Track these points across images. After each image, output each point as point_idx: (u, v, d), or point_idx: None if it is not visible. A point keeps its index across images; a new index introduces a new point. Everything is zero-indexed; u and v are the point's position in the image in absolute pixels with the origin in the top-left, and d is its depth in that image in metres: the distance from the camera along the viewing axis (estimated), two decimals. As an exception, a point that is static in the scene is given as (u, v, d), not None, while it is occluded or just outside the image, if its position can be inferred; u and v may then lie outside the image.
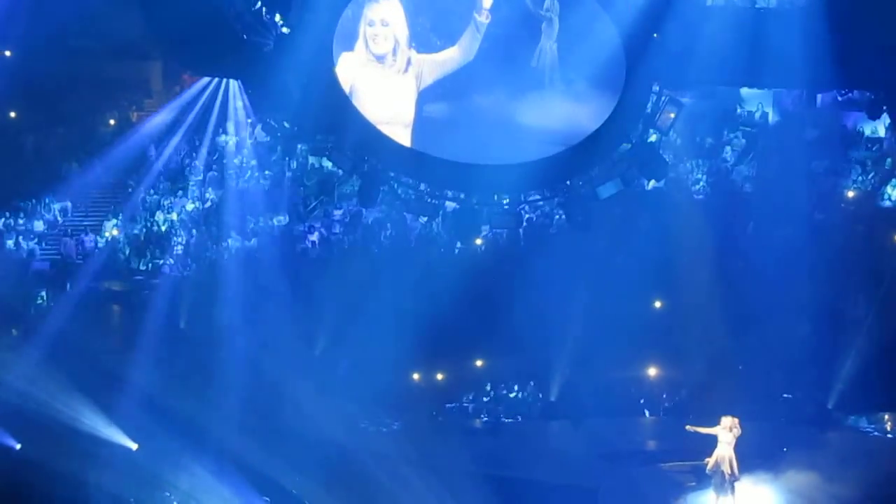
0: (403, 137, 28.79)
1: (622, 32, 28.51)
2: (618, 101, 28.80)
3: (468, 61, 28.69)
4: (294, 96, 29.48)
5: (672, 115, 29.54)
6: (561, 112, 28.88)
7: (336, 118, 29.26)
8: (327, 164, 33.05)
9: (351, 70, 28.68)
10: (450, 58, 28.79)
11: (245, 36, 28.97)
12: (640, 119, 29.49)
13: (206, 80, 33.90)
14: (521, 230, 32.91)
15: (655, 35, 28.69)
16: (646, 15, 28.35)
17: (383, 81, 28.74)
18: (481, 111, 28.84)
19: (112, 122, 34.19)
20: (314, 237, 33.44)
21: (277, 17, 28.77)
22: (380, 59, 28.77)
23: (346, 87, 28.54)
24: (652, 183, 32.06)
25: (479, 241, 32.51)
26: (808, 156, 33.44)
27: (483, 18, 28.53)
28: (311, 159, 33.70)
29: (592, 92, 28.90)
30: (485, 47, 28.88)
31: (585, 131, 28.88)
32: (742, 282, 30.97)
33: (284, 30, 28.64)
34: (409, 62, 28.75)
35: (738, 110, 34.48)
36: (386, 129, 28.70)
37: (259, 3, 28.95)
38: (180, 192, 34.53)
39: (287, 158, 32.72)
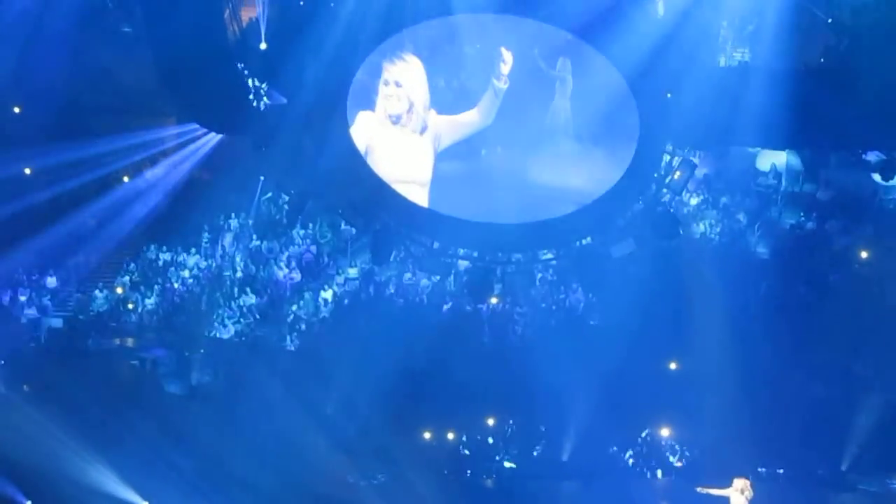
0: (420, 197, 28.88)
1: (635, 92, 28.64)
2: (631, 160, 28.87)
3: (487, 125, 28.80)
4: (307, 154, 29.62)
5: (685, 175, 29.62)
6: (574, 171, 29.00)
7: (349, 176, 29.36)
8: (339, 221, 33.15)
9: (368, 129, 28.84)
10: (469, 121, 28.93)
11: (257, 95, 29.20)
12: (653, 179, 29.57)
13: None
14: (533, 289, 32.94)
15: (669, 95, 28.81)
16: (659, 75, 28.46)
17: (400, 141, 28.90)
18: (495, 170, 28.94)
19: (126, 178, 34.29)
20: (326, 295, 33.36)
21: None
22: (395, 119, 28.91)
23: (362, 146, 28.73)
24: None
25: (494, 300, 32.47)
26: (822, 216, 33.45)
27: (502, 84, 28.71)
28: (325, 216, 33.75)
29: (606, 151, 29.02)
30: (500, 106, 29.04)
31: (598, 190, 28.96)
32: (755, 342, 30.84)
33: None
34: (425, 123, 28.87)
35: (752, 170, 34.39)
36: (401, 188, 28.81)
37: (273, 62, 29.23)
38: (193, 249, 34.59)
39: (299, 216, 32.67)
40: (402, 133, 29.02)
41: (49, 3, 31.47)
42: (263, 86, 29.25)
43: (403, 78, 29.07)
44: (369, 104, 29.01)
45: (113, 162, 33.75)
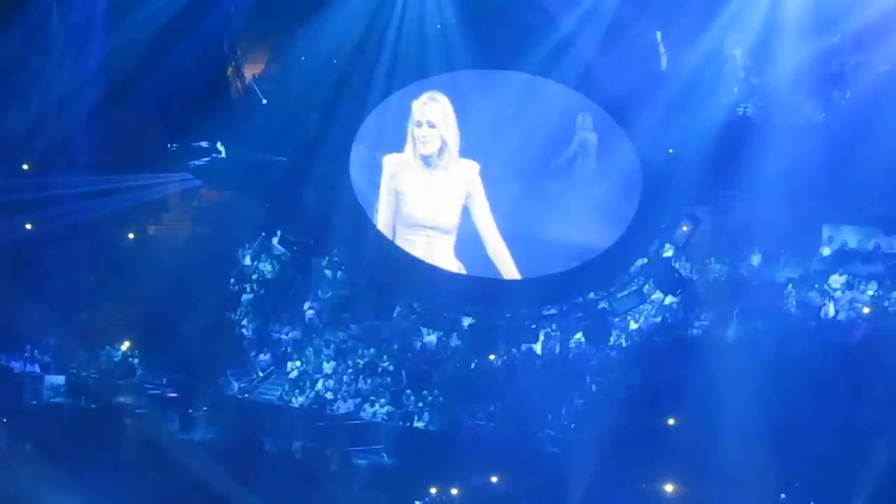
0: (442, 244, 28.88)
1: (638, 147, 28.81)
2: (634, 215, 29.01)
3: None
4: (310, 209, 29.76)
5: (687, 229, 29.73)
6: (578, 227, 29.10)
7: (353, 231, 29.50)
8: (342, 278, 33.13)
9: (396, 171, 28.95)
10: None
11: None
12: (656, 233, 29.68)
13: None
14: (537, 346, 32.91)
15: (671, 150, 28.97)
16: (662, 130, 28.63)
17: (430, 183, 29.03)
18: (500, 225, 29.06)
19: (131, 235, 34.32)
20: (329, 351, 33.26)
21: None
22: (427, 159, 29.04)
23: (390, 189, 28.81)
24: (669, 298, 31.63)
25: (492, 357, 32.38)
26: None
27: None
28: (328, 272, 33.72)
29: (609, 206, 29.10)
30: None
31: (602, 246, 29.08)
32: (761, 398, 30.71)
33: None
34: (455, 165, 29.01)
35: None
36: (424, 234, 28.83)
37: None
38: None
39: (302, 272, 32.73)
40: (432, 175, 29.17)
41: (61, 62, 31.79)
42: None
43: (437, 118, 29.24)
44: (397, 146, 29.16)
45: (113, 213, 33.72)
